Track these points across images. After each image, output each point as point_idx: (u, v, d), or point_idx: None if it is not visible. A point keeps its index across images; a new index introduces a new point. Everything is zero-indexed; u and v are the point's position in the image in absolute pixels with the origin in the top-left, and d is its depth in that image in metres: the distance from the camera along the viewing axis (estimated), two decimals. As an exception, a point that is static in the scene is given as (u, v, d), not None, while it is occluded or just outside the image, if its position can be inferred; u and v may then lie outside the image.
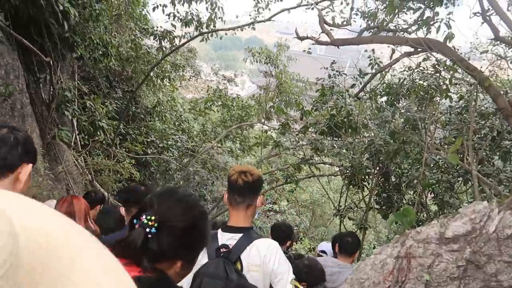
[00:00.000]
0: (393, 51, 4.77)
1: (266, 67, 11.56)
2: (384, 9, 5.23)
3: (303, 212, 19.36)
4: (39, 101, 7.10)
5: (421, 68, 5.15)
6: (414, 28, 4.96)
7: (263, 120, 11.39)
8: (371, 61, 5.90)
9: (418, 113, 4.93)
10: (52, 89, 6.93)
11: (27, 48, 6.21)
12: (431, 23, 4.12)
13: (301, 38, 5.32)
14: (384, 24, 5.17)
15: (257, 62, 11.02)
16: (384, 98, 5.90)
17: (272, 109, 10.88)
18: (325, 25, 5.28)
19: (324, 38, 6.13)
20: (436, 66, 4.43)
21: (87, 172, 7.96)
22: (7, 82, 5.46)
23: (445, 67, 3.38)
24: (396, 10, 4.60)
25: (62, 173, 7.07)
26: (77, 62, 8.69)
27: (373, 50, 5.86)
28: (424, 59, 5.23)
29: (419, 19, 4.36)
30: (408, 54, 4.62)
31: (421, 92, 5.05)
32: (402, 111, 5.28)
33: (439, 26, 4.05)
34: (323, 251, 5.31)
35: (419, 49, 4.26)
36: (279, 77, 10.01)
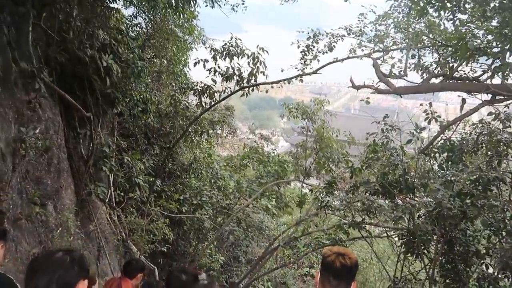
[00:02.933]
0: (464, 101, 4.30)
1: (303, 123, 11.25)
2: (447, 57, 4.85)
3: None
4: (77, 156, 7.00)
5: (487, 121, 4.62)
6: (485, 76, 4.50)
7: (301, 178, 10.87)
8: (428, 115, 5.42)
9: (490, 171, 4.32)
10: (91, 145, 6.82)
11: (69, 103, 6.18)
12: (507, 71, 3.67)
13: (357, 87, 4.98)
14: (449, 71, 4.75)
15: (294, 118, 10.74)
16: (444, 155, 5.31)
17: (311, 166, 10.39)
18: (382, 74, 4.93)
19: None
20: None
21: (121, 230, 7.62)
22: (46, 136, 5.35)
23: None
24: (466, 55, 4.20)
25: (94, 231, 6.75)
26: (117, 118, 8.70)
27: (430, 103, 5.41)
28: (490, 113, 4.71)
29: (492, 66, 3.92)
30: (490, 102, 4.12)
31: (491, 148, 4.47)
32: (471, 169, 4.67)
33: (516, 73, 3.60)
34: None
35: (501, 97, 3.79)
36: (320, 132, 9.63)
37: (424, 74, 5.63)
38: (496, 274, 5.39)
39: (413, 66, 5.73)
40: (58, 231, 5.21)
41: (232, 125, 14.82)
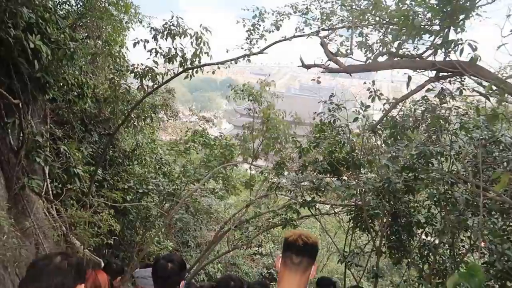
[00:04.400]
0: (410, 78, 4.42)
1: (248, 105, 11.17)
2: (392, 35, 4.93)
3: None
4: (6, 148, 6.38)
5: (428, 98, 4.82)
6: (428, 53, 4.64)
7: (249, 160, 10.85)
8: (371, 93, 5.55)
9: (432, 146, 4.52)
10: (21, 134, 6.23)
11: (-8, 90, 5.57)
12: (452, 46, 3.79)
13: (307, 66, 4.93)
14: (396, 49, 4.83)
15: (239, 99, 10.62)
16: (387, 132, 5.49)
17: (259, 148, 10.39)
18: (330, 53, 4.92)
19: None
20: (475, 90, 4.06)
21: (61, 225, 7.13)
22: (-33, 127, 4.79)
23: (490, 91, 2.98)
24: (404, 37, 4.30)
25: (31, 228, 6.25)
26: (50, 104, 8.05)
27: (373, 81, 5.53)
28: (428, 90, 4.90)
29: (434, 43, 4.03)
30: (436, 79, 4.26)
31: (432, 124, 4.67)
32: (415, 144, 4.86)
33: (462, 49, 3.71)
34: None
35: (445, 74, 3.92)
36: (266, 113, 9.59)
37: (368, 53, 5.74)
38: (435, 241, 5.74)
39: (357, 44, 5.81)
40: (-11, 231, 4.74)
41: (174, 108, 14.40)
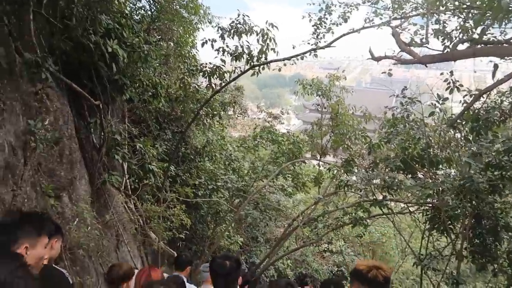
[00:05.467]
0: (496, 67, 3.99)
1: (318, 100, 10.97)
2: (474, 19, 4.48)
3: (362, 252, 18.06)
4: (89, 146, 6.91)
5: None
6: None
7: (318, 156, 10.66)
8: (449, 85, 5.12)
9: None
10: (102, 133, 6.71)
11: (77, 93, 6.04)
12: None
13: (377, 59, 4.69)
14: (475, 36, 4.39)
15: (308, 94, 10.45)
16: (469, 126, 5.03)
17: (327, 144, 10.16)
18: (403, 43, 4.62)
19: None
20: None
21: (138, 218, 7.57)
22: (55, 128, 5.24)
23: None
24: (488, 21, 3.86)
25: (111, 220, 6.71)
26: (127, 104, 8.56)
27: (451, 72, 5.09)
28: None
29: None
30: None
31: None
32: (502, 139, 4.40)
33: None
34: None
35: None
36: (335, 109, 9.34)
37: (446, 41, 5.29)
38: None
39: (433, 33, 5.37)
40: (75, 222, 5.15)
41: (242, 105, 14.62)
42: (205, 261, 9.56)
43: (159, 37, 9.98)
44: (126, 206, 7.69)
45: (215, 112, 9.54)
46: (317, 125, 10.77)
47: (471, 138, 4.90)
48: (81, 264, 5.22)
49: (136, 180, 7.94)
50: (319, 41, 7.02)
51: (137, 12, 10.02)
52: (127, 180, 7.99)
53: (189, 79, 8.80)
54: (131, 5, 9.67)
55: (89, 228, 5.33)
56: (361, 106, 9.47)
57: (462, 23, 5.07)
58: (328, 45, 6.71)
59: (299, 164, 12.16)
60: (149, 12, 10.24)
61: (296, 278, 12.46)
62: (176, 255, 8.14)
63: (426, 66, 4.35)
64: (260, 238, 13.67)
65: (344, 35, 6.59)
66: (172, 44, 10.19)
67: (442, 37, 5.18)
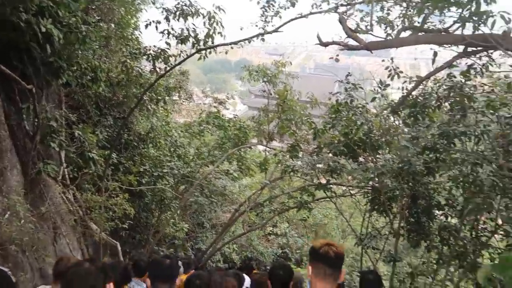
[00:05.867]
0: (436, 54, 4.19)
1: (263, 86, 11.01)
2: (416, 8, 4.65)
3: (305, 234, 18.64)
4: (22, 133, 6.41)
5: (451, 76, 4.58)
6: (455, 27, 4.35)
7: (264, 142, 10.74)
8: (390, 72, 5.33)
9: (457, 126, 4.32)
10: (36, 120, 6.24)
11: (5, 75, 5.55)
12: (484, 18, 3.52)
13: (325, 44, 4.73)
14: (417, 24, 4.56)
15: (254, 80, 10.45)
16: (406, 112, 5.28)
17: (274, 129, 10.25)
18: (349, 29, 4.69)
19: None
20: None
21: (77, 209, 7.21)
22: (-19, 113, 4.79)
23: None
24: (427, 11, 4.04)
25: (48, 212, 6.32)
26: (64, 89, 8.04)
27: (392, 59, 5.31)
28: (452, 66, 4.66)
29: (463, 15, 3.75)
30: (465, 54, 4.00)
31: (455, 103, 4.46)
32: (437, 124, 4.66)
33: (494, 21, 3.45)
34: None
35: (475, 49, 3.69)
36: (282, 95, 9.41)
37: (388, 29, 5.49)
38: (456, 224, 5.58)
39: (377, 20, 5.54)
40: (6, 216, 4.78)
41: (188, 90, 14.32)
42: (150, 250, 9.38)
43: (99, 17, 9.42)
44: (64, 197, 7.28)
45: (159, 97, 9.23)
46: (264, 111, 10.83)
47: (409, 123, 5.16)
48: (14, 260, 4.88)
49: (75, 169, 7.53)
50: (267, 25, 6.98)
51: (74, -10, 9.37)
52: (65, 170, 7.55)
53: (132, 63, 8.41)
54: (66, -18, 8.99)
55: (22, 221, 4.97)
56: (307, 92, 9.62)
57: (404, 11, 5.27)
58: (276, 30, 6.69)
59: (245, 149, 12.20)
60: (87, -10, 9.61)
61: (242, 262, 12.61)
62: (118, 245, 7.91)
63: (371, 52, 4.47)
64: (206, 224, 13.64)
65: (292, 20, 6.59)
66: (113, 25, 9.67)
67: (385, 25, 5.37)
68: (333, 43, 4.67)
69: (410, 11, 5.21)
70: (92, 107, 9.44)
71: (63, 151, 7.20)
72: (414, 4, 5.07)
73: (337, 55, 5.52)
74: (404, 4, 5.28)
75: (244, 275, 5.24)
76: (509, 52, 3.29)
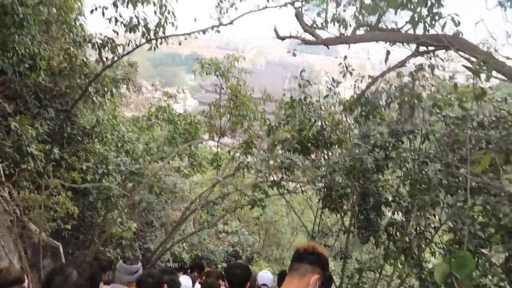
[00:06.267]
0: (388, 53, 4.26)
1: (215, 80, 10.82)
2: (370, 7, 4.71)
3: (256, 231, 18.70)
4: None
5: (401, 75, 4.70)
6: (407, 27, 4.47)
7: (215, 137, 10.57)
8: (343, 69, 5.38)
9: (405, 124, 4.44)
10: (-36, 110, 5.66)
11: None
12: (436, 19, 3.62)
13: (282, 38, 4.65)
14: (376, 21, 4.62)
15: (206, 74, 10.24)
16: (358, 110, 5.37)
17: (226, 125, 10.10)
18: (306, 25, 4.66)
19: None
20: (464, 66, 3.93)
21: (14, 208, 6.63)
22: None
23: (478, 67, 2.83)
24: (381, 9, 4.12)
25: (-21, 212, 5.76)
26: (-2, 77, 7.38)
27: (345, 57, 5.36)
28: (401, 65, 4.78)
29: (417, 14, 3.84)
30: (418, 53, 4.09)
31: (404, 102, 4.58)
32: (387, 123, 4.77)
33: (445, 23, 3.56)
34: (265, 285, 4.88)
35: (427, 49, 3.77)
36: (235, 90, 9.28)
37: (341, 28, 5.54)
38: (402, 220, 5.76)
39: (331, 19, 5.57)
40: None
41: (136, 82, 13.77)
42: (95, 251, 8.91)
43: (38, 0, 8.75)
44: (-1, 195, 6.68)
45: (105, 89, 8.74)
46: (215, 106, 10.64)
47: (361, 121, 5.24)
48: None
49: (11, 165, 6.93)
50: (222, 16, 6.79)
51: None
52: (0, 165, 6.93)
53: (76, 51, 7.88)
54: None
55: None
56: (260, 87, 9.57)
57: (358, 9, 5.33)
58: (232, 22, 6.52)
59: (196, 144, 11.95)
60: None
61: (193, 261, 12.38)
62: (60, 247, 7.40)
63: (328, 48, 4.48)
64: (155, 223, 13.22)
65: (248, 12, 6.45)
66: (54, 10, 9.02)
67: (339, 23, 5.41)
68: (291, 37, 4.64)
69: (363, 11, 5.28)
70: (31, 98, 8.74)
71: (-4, 145, 6.60)
72: (367, 3, 5.16)
73: (295, 49, 5.48)
74: (358, 4, 5.35)
75: (182, 278, 5.22)
76: (460, 52, 3.41)
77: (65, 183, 6.81)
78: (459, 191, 4.01)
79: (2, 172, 7.02)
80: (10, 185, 6.58)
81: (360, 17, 5.15)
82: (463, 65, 2.70)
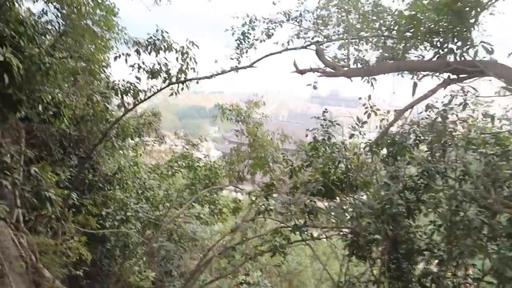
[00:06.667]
0: (416, 85, 4.09)
1: (237, 127, 10.84)
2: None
3: (278, 283, 17.87)
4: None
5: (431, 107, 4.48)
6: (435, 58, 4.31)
7: (235, 182, 10.37)
8: (367, 109, 5.21)
9: (438, 163, 4.16)
10: (-13, 155, 5.72)
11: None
12: (465, 48, 3.47)
13: (302, 71, 4.57)
14: (402, 51, 4.49)
15: (227, 119, 10.27)
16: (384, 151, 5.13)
17: (245, 169, 9.94)
18: (326, 60, 4.58)
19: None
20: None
21: (30, 254, 6.51)
22: None
23: None
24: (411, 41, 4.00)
25: (-6, 258, 5.64)
26: (23, 123, 7.54)
27: (369, 96, 5.21)
28: (426, 97, 4.57)
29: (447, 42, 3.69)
30: (452, 81, 3.89)
31: (434, 141, 4.33)
32: (417, 162, 4.49)
33: (476, 51, 3.38)
34: None
35: (458, 76, 3.59)
36: (253, 132, 9.20)
37: (364, 67, 5.43)
38: (438, 271, 5.31)
39: (354, 61, 5.49)
40: None
41: (159, 132, 13.97)
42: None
43: (67, 54, 9.12)
44: (16, 241, 6.58)
45: (126, 134, 8.79)
46: (236, 150, 10.57)
47: (388, 162, 4.98)
48: None
49: (29, 210, 6.89)
50: (242, 56, 6.83)
51: (42, 26, 9.08)
52: (19, 210, 6.90)
53: (99, 97, 8.05)
54: (35, 19, 8.72)
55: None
56: (278, 132, 9.48)
57: (383, 44, 5.25)
58: (251, 65, 6.53)
59: (216, 191, 11.77)
60: (56, 27, 9.35)
61: (213, 314, 11.78)
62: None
63: (351, 80, 4.35)
64: (174, 272, 12.78)
65: (267, 55, 6.43)
66: (82, 63, 9.38)
67: (361, 64, 5.32)
68: (311, 70, 4.55)
69: (388, 43, 5.19)
70: (55, 145, 8.90)
71: (17, 190, 6.60)
72: (391, 35, 5.06)
73: (315, 82, 5.38)
74: (382, 39, 5.28)
75: None
76: (498, 78, 3.20)
77: (80, 229, 6.68)
78: (503, 234, 3.62)
79: (21, 218, 6.99)
80: (26, 231, 6.50)
81: (383, 51, 5.04)
82: (502, 87, 2.49)
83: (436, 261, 5.15)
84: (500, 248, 3.76)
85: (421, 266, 5.69)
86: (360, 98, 5.26)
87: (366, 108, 5.21)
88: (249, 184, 11.22)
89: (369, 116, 5.19)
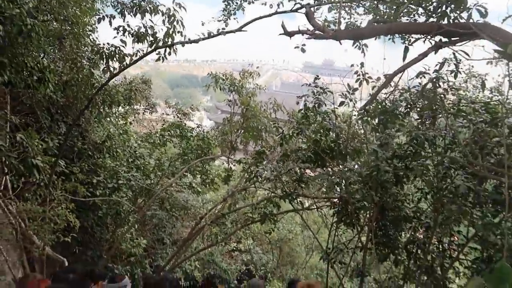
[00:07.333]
0: (407, 49, 3.94)
1: (230, 97, 10.67)
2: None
3: (269, 250, 18.23)
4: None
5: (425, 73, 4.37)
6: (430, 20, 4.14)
7: (227, 152, 10.32)
8: (359, 76, 5.09)
9: (427, 131, 4.09)
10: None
11: None
12: (458, 11, 3.33)
13: (290, 34, 4.40)
14: (394, 14, 4.32)
15: (220, 89, 10.08)
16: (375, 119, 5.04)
17: (237, 139, 9.87)
18: (316, 22, 4.40)
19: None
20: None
21: (19, 221, 6.45)
22: None
23: None
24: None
25: (-19, 225, 5.59)
26: (6, 88, 7.32)
27: (362, 63, 5.07)
28: (420, 74, 4.46)
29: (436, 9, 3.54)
30: (443, 44, 3.74)
31: (425, 108, 4.24)
32: (407, 129, 4.42)
33: (470, 13, 3.25)
34: None
35: (453, 39, 3.46)
36: (246, 102, 9.08)
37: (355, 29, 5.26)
38: (424, 237, 5.35)
39: (345, 24, 5.31)
40: None
41: (150, 100, 13.74)
42: (102, 267, 8.65)
43: (51, 16, 8.77)
44: (4, 207, 6.52)
45: (113, 100, 8.59)
46: (229, 120, 10.45)
47: (379, 130, 4.91)
48: None
49: (17, 177, 6.79)
50: (229, 18, 6.57)
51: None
52: (6, 177, 6.80)
53: (83, 61, 7.79)
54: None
55: None
56: (271, 102, 9.36)
57: (373, 14, 5.07)
58: (240, 29, 6.27)
59: (209, 161, 11.73)
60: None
61: (204, 279, 12.01)
62: (65, 262, 7.17)
63: (340, 43, 4.20)
64: (166, 240, 12.91)
65: (256, 19, 6.17)
66: (67, 26, 9.04)
67: (352, 27, 5.15)
68: (299, 32, 4.37)
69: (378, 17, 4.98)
70: (42, 112, 8.69)
71: (4, 157, 6.47)
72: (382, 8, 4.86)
73: (304, 45, 5.18)
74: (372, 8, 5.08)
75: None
76: (490, 40, 3.07)
77: (70, 196, 6.61)
78: (489, 201, 3.61)
79: (9, 185, 6.89)
80: (15, 198, 6.43)
81: (374, 14, 4.86)
82: (494, 49, 2.38)
83: (423, 228, 5.19)
84: (485, 214, 3.77)
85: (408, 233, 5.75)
86: (352, 65, 5.13)
87: (358, 76, 5.09)
88: (241, 154, 11.18)
89: (360, 83, 5.07)
